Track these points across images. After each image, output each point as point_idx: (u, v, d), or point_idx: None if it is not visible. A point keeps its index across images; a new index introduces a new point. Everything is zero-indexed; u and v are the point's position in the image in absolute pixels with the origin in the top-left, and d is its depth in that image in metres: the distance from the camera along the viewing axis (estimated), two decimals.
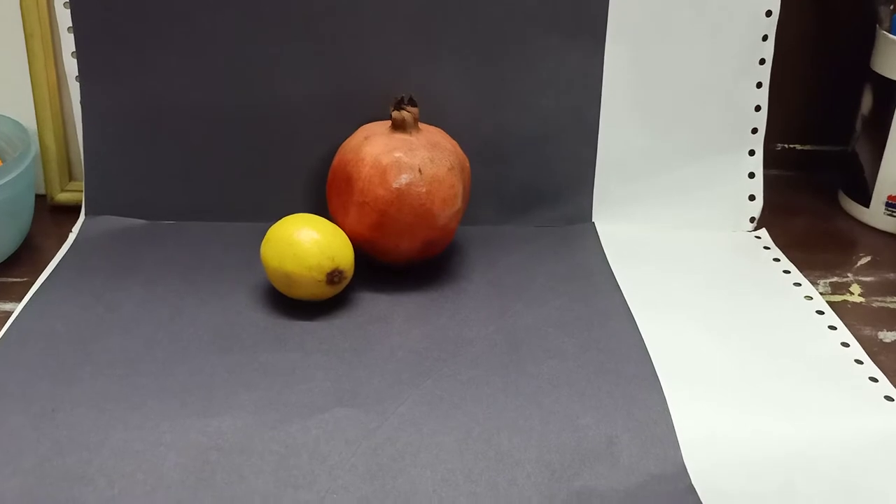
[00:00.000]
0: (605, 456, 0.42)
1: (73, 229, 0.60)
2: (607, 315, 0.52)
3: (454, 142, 0.57)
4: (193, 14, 0.58)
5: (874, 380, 0.47)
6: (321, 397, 0.45)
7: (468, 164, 0.57)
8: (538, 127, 0.61)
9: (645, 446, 0.42)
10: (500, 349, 0.49)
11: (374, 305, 0.53)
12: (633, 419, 0.44)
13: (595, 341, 0.50)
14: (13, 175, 0.54)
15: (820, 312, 0.54)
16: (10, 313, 0.51)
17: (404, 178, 0.52)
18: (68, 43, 0.59)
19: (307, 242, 0.50)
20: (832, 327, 0.52)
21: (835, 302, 0.56)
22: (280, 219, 0.53)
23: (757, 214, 0.63)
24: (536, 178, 0.62)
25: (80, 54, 0.59)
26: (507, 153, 0.62)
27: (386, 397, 0.45)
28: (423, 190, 0.52)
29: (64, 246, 0.58)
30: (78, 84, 0.59)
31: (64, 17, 0.59)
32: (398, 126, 0.55)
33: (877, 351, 0.51)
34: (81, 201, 0.61)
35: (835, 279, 0.59)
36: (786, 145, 0.74)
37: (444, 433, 0.43)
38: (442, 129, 0.58)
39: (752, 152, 0.63)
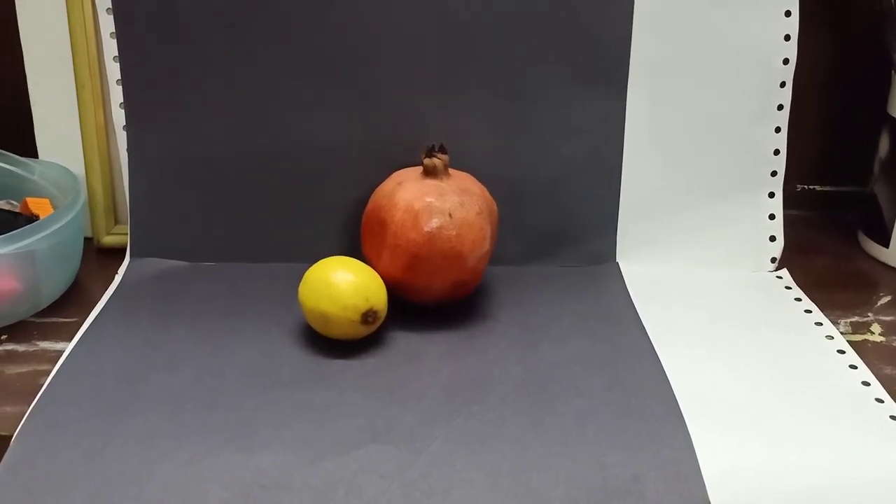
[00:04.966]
0: (632, 493, 0.43)
1: (119, 271, 0.62)
2: (632, 354, 0.53)
3: (482, 186, 0.59)
4: (232, 68, 0.60)
5: (894, 418, 0.48)
6: (357, 434, 0.46)
7: (496, 207, 0.59)
8: (562, 170, 0.63)
9: (670, 484, 0.43)
10: (528, 388, 0.50)
11: (406, 344, 0.54)
12: (658, 457, 0.45)
13: (620, 380, 0.51)
14: (64, 221, 0.57)
15: (841, 352, 0.55)
16: (61, 352, 0.53)
17: (435, 222, 0.54)
18: (116, 94, 0.62)
19: (343, 284, 0.52)
20: (853, 366, 0.53)
21: (855, 341, 0.57)
22: (316, 260, 0.54)
23: (778, 255, 0.65)
24: (561, 220, 0.64)
25: (127, 105, 0.62)
26: (532, 196, 0.63)
27: (418, 435, 0.46)
28: (454, 233, 0.54)
29: (110, 287, 0.60)
30: (125, 133, 0.62)
31: (113, 70, 0.62)
32: (429, 172, 0.57)
33: None
34: (126, 244, 0.63)
35: (855, 319, 0.60)
36: (806, 186, 0.75)
37: (474, 470, 0.44)
38: (469, 172, 0.59)
39: (771, 194, 0.64)
